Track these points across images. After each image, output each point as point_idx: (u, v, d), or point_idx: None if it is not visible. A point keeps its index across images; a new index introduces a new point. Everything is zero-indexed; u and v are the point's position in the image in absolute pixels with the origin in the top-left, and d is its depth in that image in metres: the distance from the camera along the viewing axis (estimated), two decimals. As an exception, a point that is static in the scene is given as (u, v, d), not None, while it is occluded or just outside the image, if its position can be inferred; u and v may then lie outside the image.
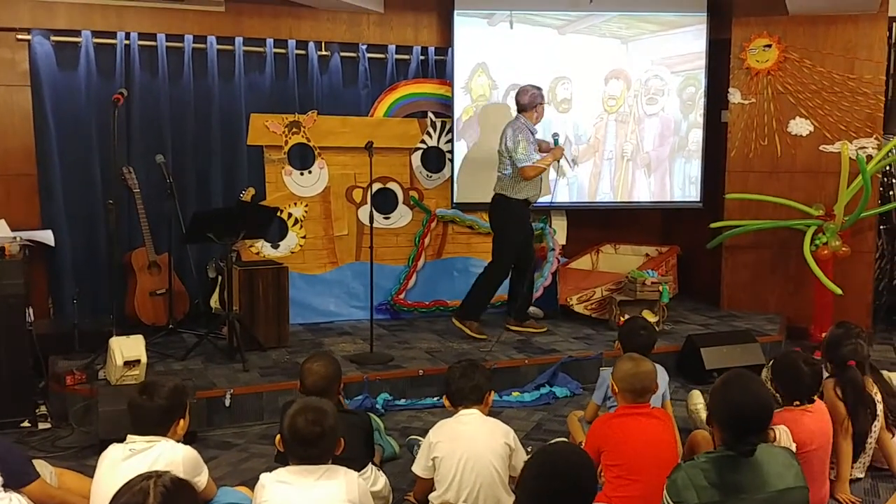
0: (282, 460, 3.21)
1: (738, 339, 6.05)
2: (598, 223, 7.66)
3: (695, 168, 7.32)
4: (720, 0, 7.11)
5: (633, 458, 3.41)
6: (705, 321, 6.88)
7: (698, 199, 7.36)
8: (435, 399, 5.30)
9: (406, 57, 6.99)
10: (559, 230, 7.30)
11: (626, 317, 6.21)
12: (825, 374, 4.39)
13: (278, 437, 3.01)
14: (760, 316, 6.99)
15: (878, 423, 4.11)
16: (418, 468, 3.63)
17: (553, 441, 3.55)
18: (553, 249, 7.14)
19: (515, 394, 5.45)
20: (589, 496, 2.33)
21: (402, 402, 5.30)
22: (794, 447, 3.42)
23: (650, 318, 6.31)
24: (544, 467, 2.34)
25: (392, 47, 6.92)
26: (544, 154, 6.22)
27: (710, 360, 5.73)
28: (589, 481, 2.37)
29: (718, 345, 5.88)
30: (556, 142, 6.35)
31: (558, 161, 6.27)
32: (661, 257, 7.39)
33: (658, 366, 3.88)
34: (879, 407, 4.12)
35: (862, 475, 4.16)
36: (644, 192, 7.35)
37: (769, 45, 6.97)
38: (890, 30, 6.84)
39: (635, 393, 3.58)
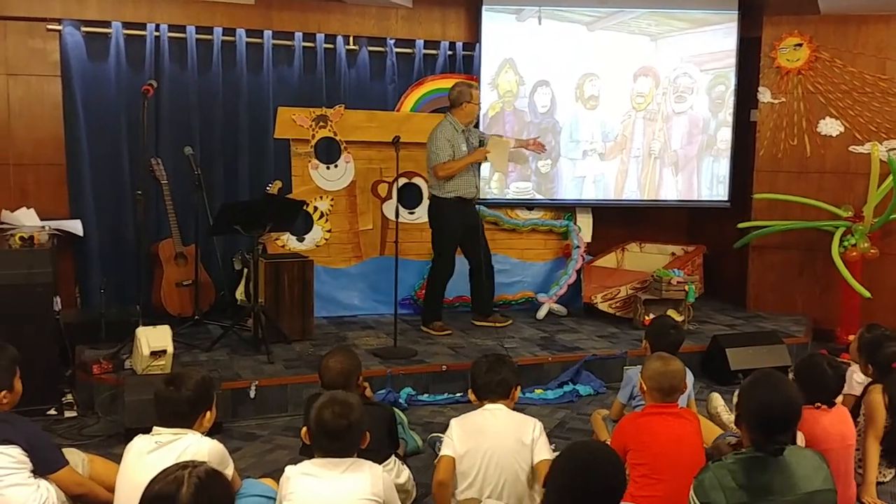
0: (307, 453, 3.21)
1: (763, 340, 6.00)
2: (624, 221, 7.62)
3: (723, 167, 7.26)
4: (751, -2, 7.06)
5: (660, 458, 3.38)
6: (731, 321, 6.84)
7: (726, 199, 7.30)
8: (458, 394, 5.30)
9: (434, 52, 6.99)
10: (584, 227, 7.27)
11: (651, 316, 6.19)
12: (859, 379, 4.36)
13: (304, 429, 3.01)
14: (787, 317, 6.94)
15: None
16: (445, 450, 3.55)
17: (580, 440, 3.53)
18: (578, 247, 7.11)
19: (538, 391, 5.44)
20: (618, 494, 2.32)
21: (425, 397, 5.30)
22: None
23: (675, 317, 6.25)
24: (575, 464, 2.33)
25: (420, 42, 6.92)
26: (466, 153, 6.18)
27: (736, 361, 5.69)
28: (618, 479, 2.36)
29: (744, 345, 5.84)
30: (481, 143, 6.34)
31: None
32: (687, 256, 7.34)
33: (686, 367, 3.85)
34: None
35: (888, 478, 4.12)
36: (671, 190, 7.31)
37: (800, 45, 6.90)
38: (923, 30, 6.75)
39: (664, 392, 3.55)
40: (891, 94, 6.72)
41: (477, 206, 6.45)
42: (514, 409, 3.61)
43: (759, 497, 2.67)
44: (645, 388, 3.63)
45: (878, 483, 4.03)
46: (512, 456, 3.39)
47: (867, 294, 6.24)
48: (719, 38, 7.12)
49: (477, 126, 6.59)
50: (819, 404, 3.70)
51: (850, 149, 6.84)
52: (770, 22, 7.00)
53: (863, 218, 6.51)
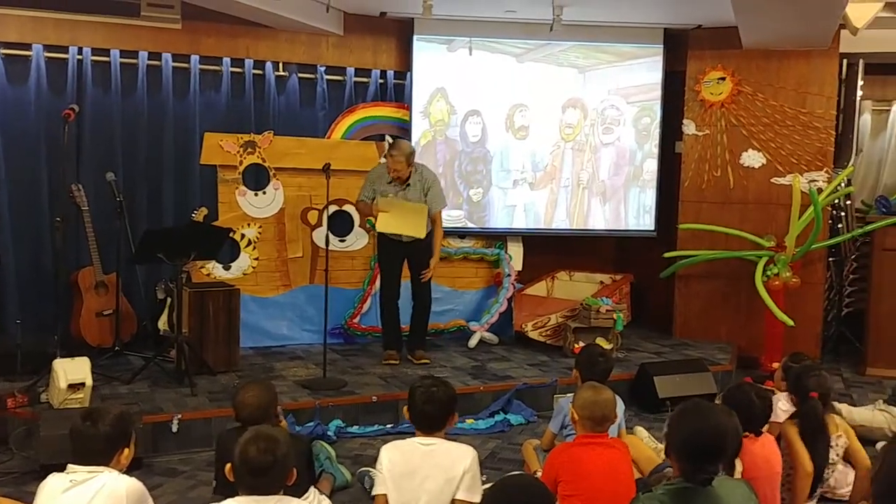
0: (221, 492, 3.10)
1: (690, 368, 6.08)
2: (553, 250, 7.67)
3: (649, 197, 7.39)
4: (676, 33, 7.22)
5: (592, 489, 3.37)
6: (658, 349, 6.92)
7: (652, 228, 7.42)
8: (388, 426, 5.23)
9: (365, 80, 6.97)
10: (515, 256, 7.30)
11: (581, 344, 6.20)
12: (784, 407, 4.43)
13: (229, 465, 2.91)
14: (712, 345, 7.05)
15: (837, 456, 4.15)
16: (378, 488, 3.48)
17: (511, 473, 3.49)
18: (509, 275, 7.13)
19: (470, 421, 5.40)
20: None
21: (355, 428, 5.21)
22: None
23: (604, 345, 6.30)
24: (502, 499, 2.29)
25: (351, 70, 6.89)
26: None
27: (663, 389, 5.75)
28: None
29: (671, 373, 5.90)
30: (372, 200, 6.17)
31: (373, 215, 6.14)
32: (615, 285, 7.42)
33: (616, 396, 3.86)
34: (840, 440, 4.16)
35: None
36: (599, 219, 7.40)
37: (723, 78, 7.08)
38: (840, 66, 6.99)
39: (595, 421, 3.54)
40: (811, 128, 6.94)
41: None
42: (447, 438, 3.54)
43: (689, 529, 2.67)
44: (576, 417, 3.61)
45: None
46: (445, 491, 3.32)
47: (790, 322, 6.38)
48: (645, 72, 7.27)
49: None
50: (747, 433, 3.74)
51: (772, 180, 7.03)
52: (694, 56, 7.19)
53: (785, 248, 6.69)
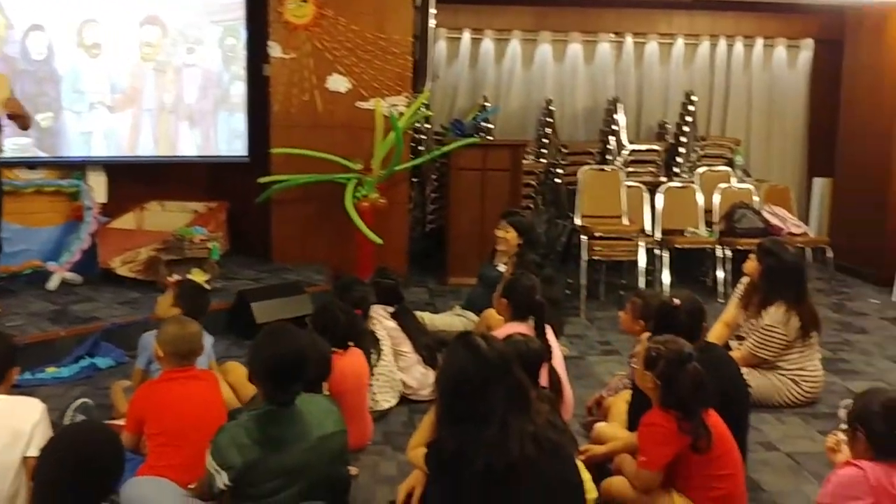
0: None
1: (287, 291, 6.13)
2: (142, 179, 7.19)
3: (240, 122, 7.21)
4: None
5: (179, 424, 3.25)
6: (257, 275, 6.88)
7: (245, 154, 7.28)
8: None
9: None
10: (98, 187, 6.70)
11: (176, 277, 5.96)
12: None
13: None
14: (310, 267, 7.15)
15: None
16: None
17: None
18: (90, 209, 6.56)
19: (51, 369, 4.95)
20: (113, 475, 2.13)
21: None
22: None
23: (201, 276, 6.13)
24: (59, 451, 2.07)
25: None
26: None
27: (261, 314, 5.72)
28: (112, 459, 2.16)
29: (269, 298, 5.91)
30: None
31: None
32: (211, 213, 7.22)
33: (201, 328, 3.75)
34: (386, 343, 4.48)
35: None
36: (189, 146, 7.08)
37: (305, 0, 7.06)
38: (415, -8, 7.33)
39: (181, 356, 3.43)
40: (390, 54, 7.21)
41: None
42: (13, 394, 3.16)
43: (274, 449, 2.68)
44: (161, 353, 3.47)
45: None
46: (13, 456, 2.95)
47: (379, 240, 6.69)
48: (229, -10, 7.00)
49: None
50: (335, 349, 3.85)
51: (357, 104, 7.23)
52: (273, -24, 7.07)
53: (371, 170, 6.95)
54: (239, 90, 7.15)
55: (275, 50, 7.12)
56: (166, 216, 7.26)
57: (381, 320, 4.71)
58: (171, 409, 3.26)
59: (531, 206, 8.06)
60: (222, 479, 2.71)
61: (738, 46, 9.01)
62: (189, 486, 3.07)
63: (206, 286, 6.01)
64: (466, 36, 8.69)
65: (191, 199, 7.43)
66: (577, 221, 7.49)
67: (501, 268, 5.61)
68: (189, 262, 6.31)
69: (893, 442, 2.62)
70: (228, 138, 7.21)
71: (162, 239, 6.51)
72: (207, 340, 3.88)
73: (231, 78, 7.13)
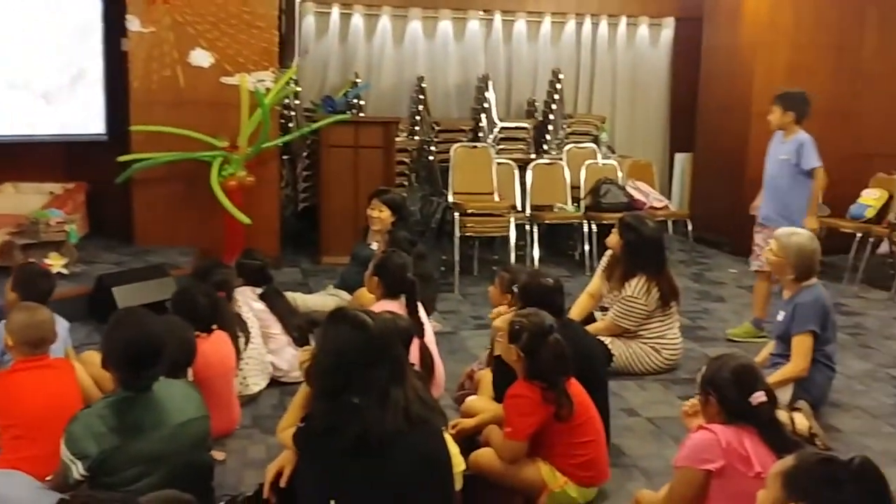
0: None
1: (151, 274, 5.90)
2: (-7, 160, 6.81)
3: (98, 99, 6.89)
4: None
5: (32, 415, 3.13)
6: (119, 259, 6.60)
7: (103, 132, 6.96)
8: None
9: None
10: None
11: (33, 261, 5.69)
12: None
13: None
14: (175, 249, 6.91)
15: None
16: None
17: None
18: (-67, 191, 6.17)
19: None
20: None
21: None
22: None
23: (58, 260, 5.86)
24: None
25: None
26: None
27: (123, 299, 5.48)
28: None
29: (131, 282, 5.69)
30: None
31: None
32: (68, 195, 6.87)
33: (55, 314, 3.59)
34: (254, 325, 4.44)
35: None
36: (44, 124, 6.73)
37: (165, -28, 6.81)
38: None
39: (32, 345, 3.28)
40: (255, 27, 7.01)
41: None
42: None
43: (131, 437, 2.60)
44: (10, 342, 3.31)
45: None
46: None
47: (247, 220, 6.53)
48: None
49: None
50: (198, 333, 3.75)
51: (222, 80, 7.01)
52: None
53: (238, 148, 6.78)
54: (97, 66, 6.83)
55: (133, 24, 6.81)
56: (20, 198, 6.86)
57: (249, 302, 4.62)
58: (23, 401, 3.13)
59: (405, 183, 8.06)
60: (78, 470, 2.62)
61: (603, 25, 9.24)
62: (46, 479, 2.95)
63: (65, 270, 5.85)
64: (335, 11, 8.57)
65: (47, 179, 7.03)
66: (450, 198, 7.54)
67: (374, 246, 5.59)
68: (46, 247, 6.01)
69: (743, 406, 2.74)
70: (86, 116, 6.88)
71: (16, 222, 6.17)
72: (62, 327, 3.73)
73: (88, 52, 6.79)
